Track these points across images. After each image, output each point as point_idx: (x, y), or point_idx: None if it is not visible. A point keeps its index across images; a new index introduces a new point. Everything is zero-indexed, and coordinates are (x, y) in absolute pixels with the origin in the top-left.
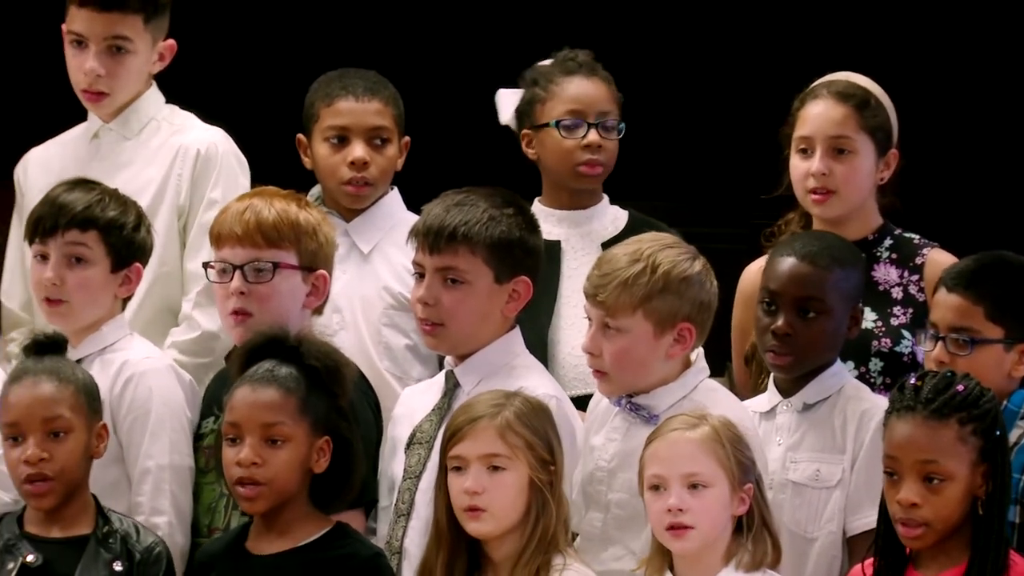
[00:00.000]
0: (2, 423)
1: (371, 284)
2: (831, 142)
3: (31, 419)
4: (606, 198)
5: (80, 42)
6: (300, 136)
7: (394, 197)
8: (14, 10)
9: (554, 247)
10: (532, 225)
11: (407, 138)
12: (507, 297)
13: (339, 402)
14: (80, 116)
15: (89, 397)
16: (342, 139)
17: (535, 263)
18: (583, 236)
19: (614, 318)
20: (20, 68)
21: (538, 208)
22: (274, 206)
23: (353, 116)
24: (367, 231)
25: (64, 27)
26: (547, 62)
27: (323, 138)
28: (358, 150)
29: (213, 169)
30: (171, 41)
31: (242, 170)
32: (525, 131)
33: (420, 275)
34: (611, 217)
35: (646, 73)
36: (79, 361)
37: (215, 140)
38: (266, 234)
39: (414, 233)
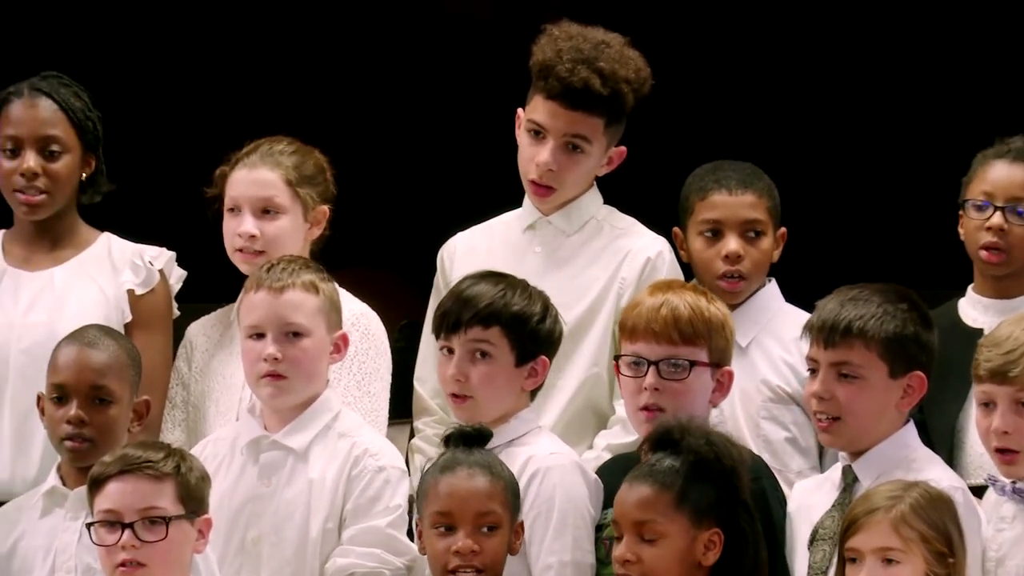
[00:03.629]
0: (430, 511)
1: (749, 377)
2: None
3: (465, 511)
4: None
5: (538, 133)
6: (676, 229)
7: (771, 289)
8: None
9: (976, 335)
10: (927, 321)
11: (783, 229)
12: (901, 392)
13: (737, 494)
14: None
15: (514, 495)
16: (716, 232)
17: (930, 359)
18: None
19: None
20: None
21: (968, 295)
22: (687, 301)
23: (726, 209)
24: (745, 324)
25: (521, 112)
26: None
27: (698, 232)
28: (731, 244)
29: (659, 278)
30: (622, 148)
31: None
32: (960, 211)
33: (813, 370)
34: None
35: None
36: None
37: (663, 249)
38: (682, 331)
39: (808, 328)
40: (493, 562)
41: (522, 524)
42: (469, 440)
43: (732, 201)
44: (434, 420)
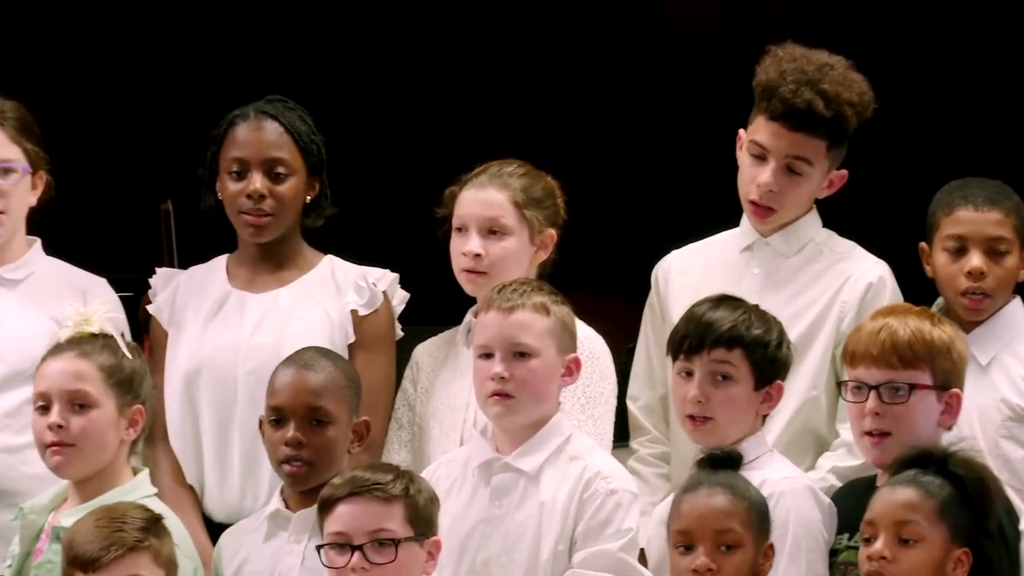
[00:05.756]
0: (672, 530)
1: (989, 396)
2: None
3: (703, 529)
4: None
5: (761, 155)
6: (923, 245)
7: (1015, 307)
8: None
9: None
10: None
11: None
12: None
13: (986, 522)
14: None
15: (760, 516)
16: (960, 249)
17: None
18: None
19: None
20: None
21: None
22: (908, 325)
23: (971, 225)
24: (987, 342)
25: (743, 133)
26: None
27: (942, 247)
28: (975, 260)
29: (881, 303)
30: (844, 171)
31: None
32: None
33: None
34: None
35: None
36: None
37: (884, 275)
38: (901, 355)
39: None
40: None
41: (771, 546)
42: (718, 463)
43: (978, 218)
44: (648, 439)
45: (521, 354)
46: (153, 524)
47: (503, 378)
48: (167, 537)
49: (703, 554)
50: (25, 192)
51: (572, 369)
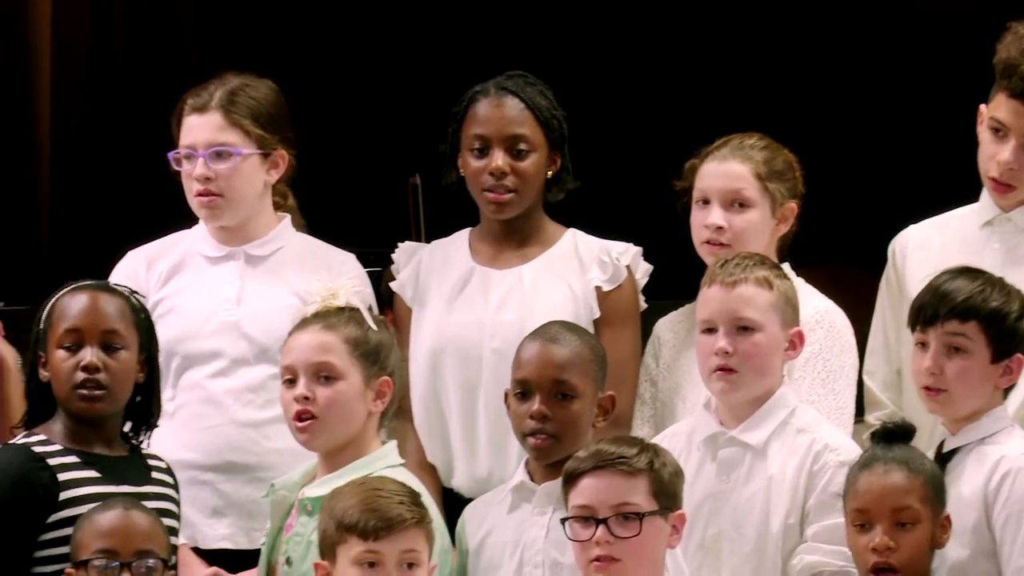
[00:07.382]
0: (850, 508)
1: None
2: None
3: (881, 508)
4: None
5: (999, 130)
6: None
7: None
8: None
9: None
10: None
11: None
12: None
13: None
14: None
15: (935, 488)
16: None
17: None
18: None
19: None
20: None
21: None
22: None
23: None
24: None
25: (983, 109)
26: None
27: None
28: None
29: None
30: None
31: None
32: None
33: None
34: None
35: None
36: (955, 451)
37: None
38: None
39: None
40: (910, 559)
41: (948, 518)
42: (891, 437)
43: None
44: (885, 414)
45: (745, 328)
46: (419, 500)
47: (727, 353)
48: (428, 513)
49: (882, 532)
50: (250, 173)
51: (795, 343)
